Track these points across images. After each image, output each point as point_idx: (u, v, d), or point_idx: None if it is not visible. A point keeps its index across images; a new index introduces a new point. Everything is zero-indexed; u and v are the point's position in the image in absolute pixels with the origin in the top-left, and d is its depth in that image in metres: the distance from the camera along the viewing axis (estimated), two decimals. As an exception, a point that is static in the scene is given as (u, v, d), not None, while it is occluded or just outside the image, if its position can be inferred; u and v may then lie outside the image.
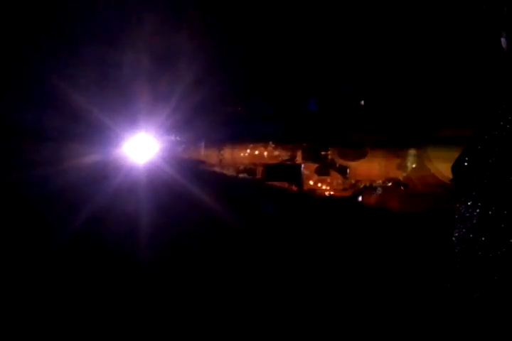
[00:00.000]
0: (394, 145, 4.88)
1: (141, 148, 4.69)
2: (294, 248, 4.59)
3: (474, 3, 3.73)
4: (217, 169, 4.94)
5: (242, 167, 5.02)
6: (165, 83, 4.45)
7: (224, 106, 4.82)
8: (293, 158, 5.07)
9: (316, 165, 5.10)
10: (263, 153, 5.00)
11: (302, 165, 5.04)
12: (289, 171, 5.06)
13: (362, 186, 5.05)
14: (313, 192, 5.06)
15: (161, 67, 4.44)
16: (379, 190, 5.00)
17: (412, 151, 4.89)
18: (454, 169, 3.13)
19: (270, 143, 5.02)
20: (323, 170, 5.11)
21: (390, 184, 5.00)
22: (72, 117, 4.33)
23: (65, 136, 4.42)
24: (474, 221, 2.81)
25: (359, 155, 5.02)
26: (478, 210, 2.83)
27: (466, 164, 3.03)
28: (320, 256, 4.55)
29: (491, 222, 2.73)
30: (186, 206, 4.53)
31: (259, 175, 5.05)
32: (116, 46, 4.33)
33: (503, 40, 3.07)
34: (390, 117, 4.82)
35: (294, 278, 4.41)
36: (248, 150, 4.98)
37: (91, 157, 4.49)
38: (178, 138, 4.78)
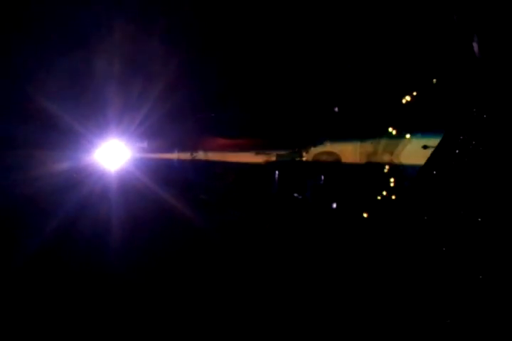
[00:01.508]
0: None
1: (113, 154, 4.65)
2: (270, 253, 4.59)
3: (447, 9, 3.75)
4: (190, 175, 4.91)
5: (215, 173, 5.00)
6: (137, 89, 4.42)
7: (197, 112, 4.80)
8: (267, 164, 5.06)
9: (290, 171, 5.10)
10: (237, 160, 4.99)
11: (276, 172, 5.04)
12: (263, 177, 5.05)
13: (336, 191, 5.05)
14: (287, 198, 5.05)
15: (134, 72, 4.42)
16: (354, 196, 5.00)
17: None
18: (419, 174, 3.15)
19: (244, 149, 5.01)
20: (298, 176, 5.11)
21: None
22: (42, 124, 4.29)
23: (35, 143, 4.37)
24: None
25: (333, 160, 5.02)
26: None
27: (434, 172, 3.05)
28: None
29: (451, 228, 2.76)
30: (158, 213, 4.51)
31: (233, 182, 5.04)
32: (88, 52, 4.30)
33: (474, 44, 3.09)
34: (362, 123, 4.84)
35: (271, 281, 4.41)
36: (222, 157, 4.96)
37: (62, 164, 4.45)
38: (150, 145, 4.75)
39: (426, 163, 3.29)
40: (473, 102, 3.10)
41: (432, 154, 3.27)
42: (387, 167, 4.65)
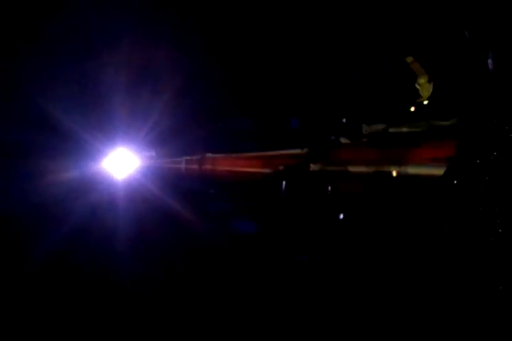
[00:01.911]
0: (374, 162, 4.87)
1: (121, 163, 4.66)
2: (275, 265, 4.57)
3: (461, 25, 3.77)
4: (197, 185, 4.91)
5: (223, 183, 4.99)
6: (145, 98, 4.44)
7: (205, 122, 4.81)
8: (274, 174, 5.05)
9: (297, 182, 5.08)
10: (244, 170, 4.99)
11: (284, 182, 5.02)
12: (271, 188, 5.04)
13: (343, 203, 5.03)
14: (295, 210, 5.04)
15: (141, 82, 4.44)
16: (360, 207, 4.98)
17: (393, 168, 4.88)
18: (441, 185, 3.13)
19: (251, 159, 5.00)
20: (305, 186, 5.10)
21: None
22: (50, 132, 4.30)
23: (43, 152, 4.38)
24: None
25: (340, 171, 5.01)
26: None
27: (455, 182, 3.04)
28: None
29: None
30: (166, 222, 4.50)
31: (240, 192, 5.03)
32: (96, 60, 4.32)
33: (489, 61, 3.10)
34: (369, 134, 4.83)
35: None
36: (229, 167, 4.96)
37: (70, 172, 4.46)
38: (158, 153, 4.75)
39: (445, 173, 3.28)
40: (493, 113, 3.10)
41: (451, 165, 3.26)
42: (395, 175, 4.64)
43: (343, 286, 4.37)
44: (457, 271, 3.16)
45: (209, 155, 4.92)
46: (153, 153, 4.75)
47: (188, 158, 4.89)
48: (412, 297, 3.92)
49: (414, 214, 4.10)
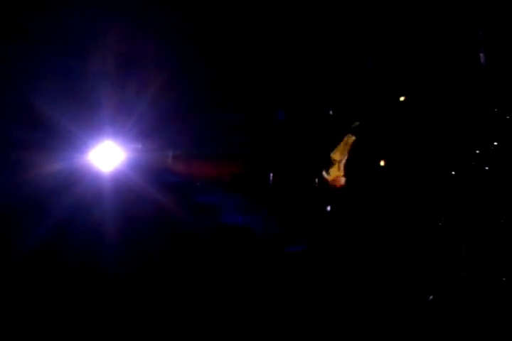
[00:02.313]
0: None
1: (107, 156, 4.64)
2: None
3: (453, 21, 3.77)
4: (184, 178, 4.90)
5: (209, 176, 4.98)
6: (131, 90, 4.43)
7: (191, 114, 4.80)
8: (261, 168, 5.05)
9: (284, 176, 5.08)
10: (231, 163, 4.98)
11: (271, 175, 5.02)
12: (257, 181, 5.04)
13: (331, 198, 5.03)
14: (280, 203, 5.04)
15: (127, 74, 4.42)
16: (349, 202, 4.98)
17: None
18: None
19: (238, 152, 5.00)
20: (292, 180, 5.10)
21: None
22: (34, 124, 4.28)
23: (27, 144, 4.36)
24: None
25: (326, 165, 5.01)
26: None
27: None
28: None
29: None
30: (152, 215, 4.49)
31: (227, 185, 5.02)
32: (81, 53, 4.30)
33: (481, 55, 3.11)
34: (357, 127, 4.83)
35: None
36: (216, 160, 4.95)
37: (55, 165, 4.43)
38: (144, 147, 4.74)
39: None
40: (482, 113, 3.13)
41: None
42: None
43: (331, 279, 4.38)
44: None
45: (196, 147, 4.91)
46: (140, 146, 4.74)
47: (175, 149, 4.88)
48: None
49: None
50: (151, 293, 4.28)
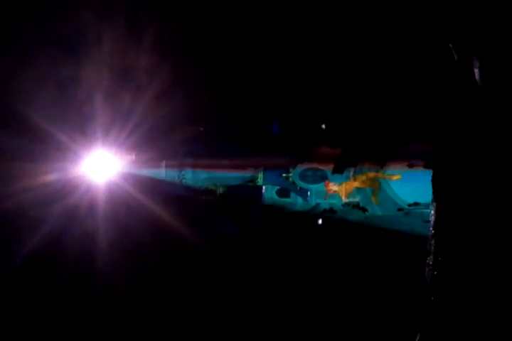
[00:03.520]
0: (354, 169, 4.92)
1: (101, 166, 4.66)
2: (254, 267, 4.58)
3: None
4: (177, 188, 4.93)
5: (202, 187, 5.01)
6: (126, 102, 4.44)
7: (185, 125, 4.83)
8: (254, 179, 5.08)
9: (277, 187, 5.12)
10: (224, 174, 5.01)
11: (263, 187, 5.06)
12: (250, 192, 5.07)
13: (322, 209, 5.07)
14: (274, 214, 5.07)
15: (122, 86, 4.44)
16: (339, 213, 5.03)
17: (370, 174, 4.94)
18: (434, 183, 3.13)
19: (232, 163, 5.03)
20: (285, 192, 5.14)
21: (350, 207, 5.03)
22: (30, 135, 4.29)
23: (22, 155, 4.38)
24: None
25: (319, 177, 5.05)
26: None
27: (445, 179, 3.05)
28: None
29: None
30: (145, 225, 4.50)
31: (220, 196, 5.05)
32: (77, 64, 4.32)
33: (476, 70, 3.12)
34: (350, 139, 4.87)
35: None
36: (209, 171, 4.98)
37: (49, 175, 4.45)
38: (138, 157, 4.77)
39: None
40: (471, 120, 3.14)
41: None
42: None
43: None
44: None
45: (189, 159, 4.94)
46: (133, 156, 4.76)
47: (169, 160, 4.91)
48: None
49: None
50: (143, 303, 4.28)
